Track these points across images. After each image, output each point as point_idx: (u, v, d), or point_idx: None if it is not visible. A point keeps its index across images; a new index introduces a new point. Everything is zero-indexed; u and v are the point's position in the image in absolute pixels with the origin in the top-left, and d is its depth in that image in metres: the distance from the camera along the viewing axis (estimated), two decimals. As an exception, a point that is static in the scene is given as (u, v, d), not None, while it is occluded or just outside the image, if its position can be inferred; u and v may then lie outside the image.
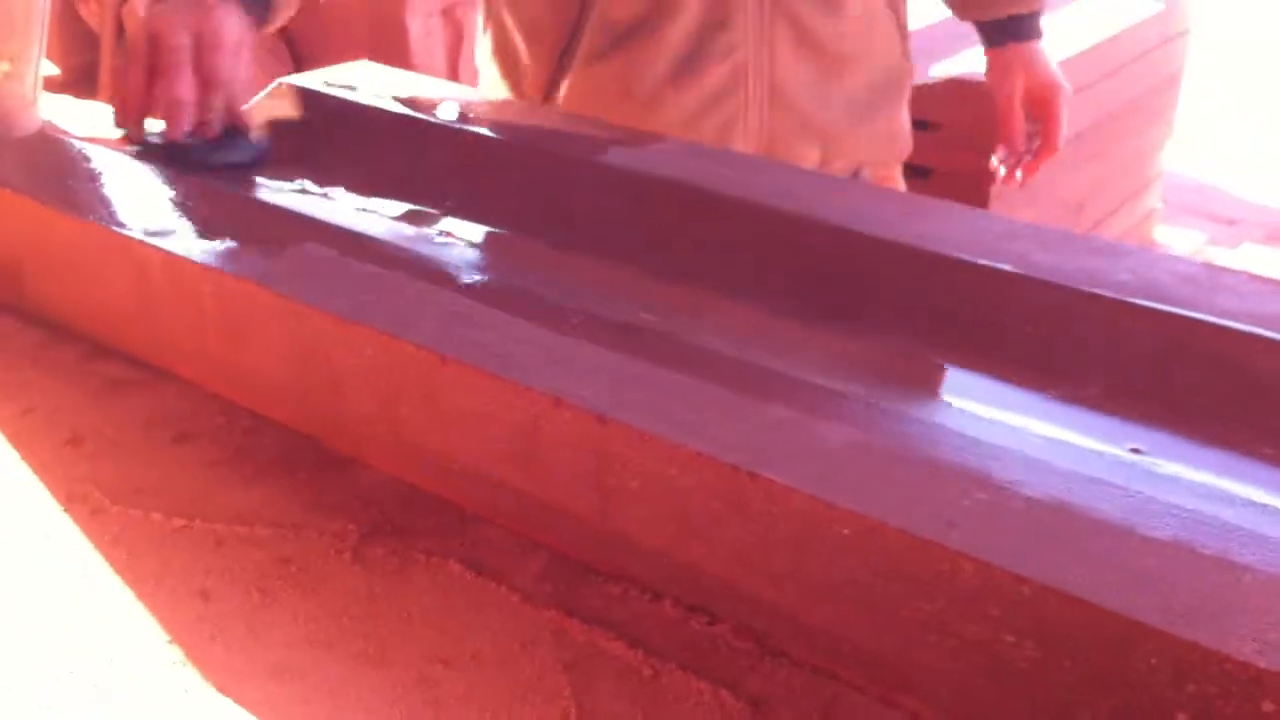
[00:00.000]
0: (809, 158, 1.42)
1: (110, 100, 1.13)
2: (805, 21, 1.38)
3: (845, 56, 1.42)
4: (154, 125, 1.12)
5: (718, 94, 1.37)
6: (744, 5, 1.35)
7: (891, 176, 1.57)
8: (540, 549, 0.77)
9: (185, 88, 1.07)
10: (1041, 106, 1.58)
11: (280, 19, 1.19)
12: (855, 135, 1.45)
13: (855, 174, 1.48)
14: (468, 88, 1.39)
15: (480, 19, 1.53)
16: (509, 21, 1.45)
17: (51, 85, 1.46)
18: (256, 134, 1.15)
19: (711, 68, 1.36)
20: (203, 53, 1.08)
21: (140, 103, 1.09)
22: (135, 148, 1.11)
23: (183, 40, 1.07)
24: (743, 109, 1.38)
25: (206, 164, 1.10)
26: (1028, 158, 1.61)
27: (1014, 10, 1.55)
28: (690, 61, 1.36)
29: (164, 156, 1.09)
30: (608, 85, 1.36)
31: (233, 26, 1.09)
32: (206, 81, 1.09)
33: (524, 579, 0.75)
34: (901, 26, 1.50)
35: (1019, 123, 1.59)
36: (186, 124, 1.08)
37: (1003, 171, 1.64)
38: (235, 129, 1.12)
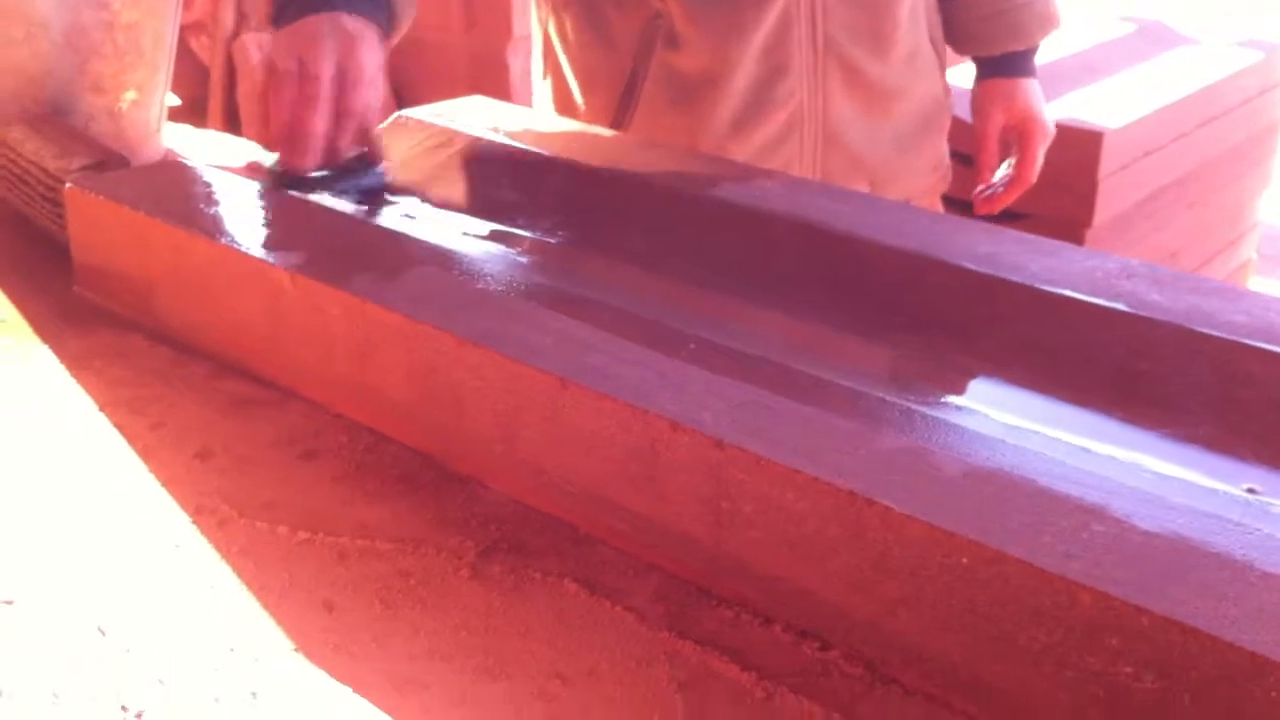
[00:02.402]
0: (859, 190, 1.46)
1: (263, 119, 1.15)
2: (856, 63, 1.42)
3: (891, 93, 1.47)
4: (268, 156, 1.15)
5: (776, 140, 1.41)
6: (799, 52, 1.39)
7: (936, 205, 1.62)
8: (654, 570, 0.78)
9: (321, 121, 1.09)
10: (1020, 141, 1.61)
11: (401, 30, 1.22)
12: (902, 168, 1.51)
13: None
14: (576, 121, 1.42)
15: (539, 68, 1.56)
16: (566, 70, 1.49)
17: (168, 115, 1.51)
18: (380, 162, 1.17)
19: (770, 115, 1.40)
20: (345, 85, 1.09)
21: (282, 129, 1.11)
22: (269, 171, 1.13)
23: (326, 71, 1.09)
24: (798, 152, 1.42)
25: (333, 189, 1.12)
26: (1000, 189, 1.64)
27: (1008, 48, 1.58)
28: (750, 111, 1.40)
29: (291, 181, 1.11)
30: (670, 135, 1.39)
31: (374, 58, 1.11)
32: (344, 112, 1.10)
33: (639, 600, 0.76)
34: (941, 61, 1.56)
35: (992, 156, 1.62)
36: (315, 159, 1.09)
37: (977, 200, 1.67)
38: (361, 156, 1.15)
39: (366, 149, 1.16)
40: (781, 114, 1.41)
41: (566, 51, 1.48)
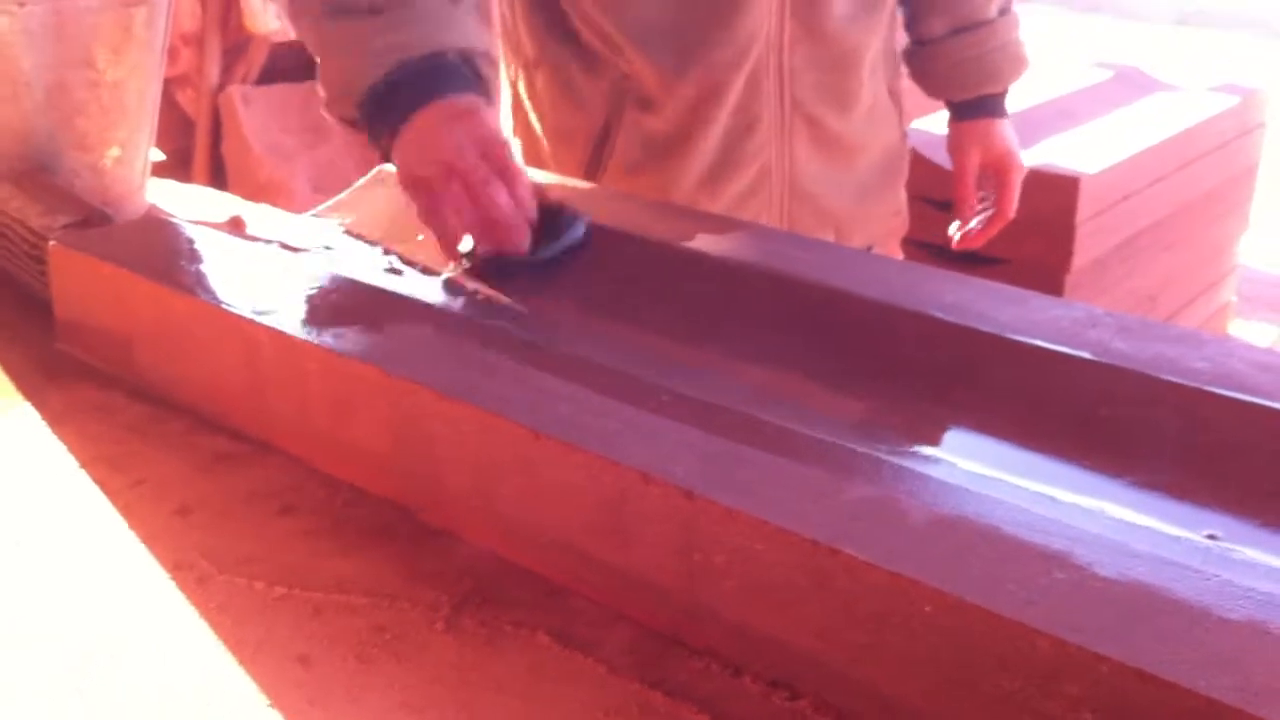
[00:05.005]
0: (825, 239, 1.49)
1: (436, 238, 1.11)
2: (821, 120, 1.46)
3: (854, 147, 1.51)
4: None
5: (745, 195, 1.44)
6: (767, 110, 1.42)
7: (896, 250, 1.66)
8: (626, 621, 0.79)
9: (505, 199, 1.06)
10: (997, 178, 1.64)
11: (497, 100, 1.18)
12: (864, 216, 1.54)
13: (866, 251, 1.56)
14: (547, 172, 1.44)
15: (508, 124, 1.57)
16: (536, 127, 1.51)
17: (152, 170, 1.53)
18: (567, 211, 1.13)
19: (740, 172, 1.43)
20: (493, 156, 1.07)
21: (470, 226, 1.08)
22: (471, 265, 1.09)
23: (474, 158, 1.06)
24: (766, 205, 1.45)
25: (547, 258, 1.09)
26: (978, 226, 1.67)
27: (983, 90, 1.62)
28: (721, 168, 1.43)
29: (503, 270, 1.08)
30: (642, 193, 1.40)
31: (496, 121, 1.10)
32: (510, 178, 1.08)
33: (611, 651, 0.77)
34: (900, 111, 1.59)
35: (971, 194, 1.66)
36: (524, 232, 1.07)
37: (956, 237, 1.70)
38: (547, 212, 1.11)
39: (548, 205, 1.12)
40: (750, 170, 1.43)
41: (537, 109, 1.50)
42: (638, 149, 1.43)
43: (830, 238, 1.50)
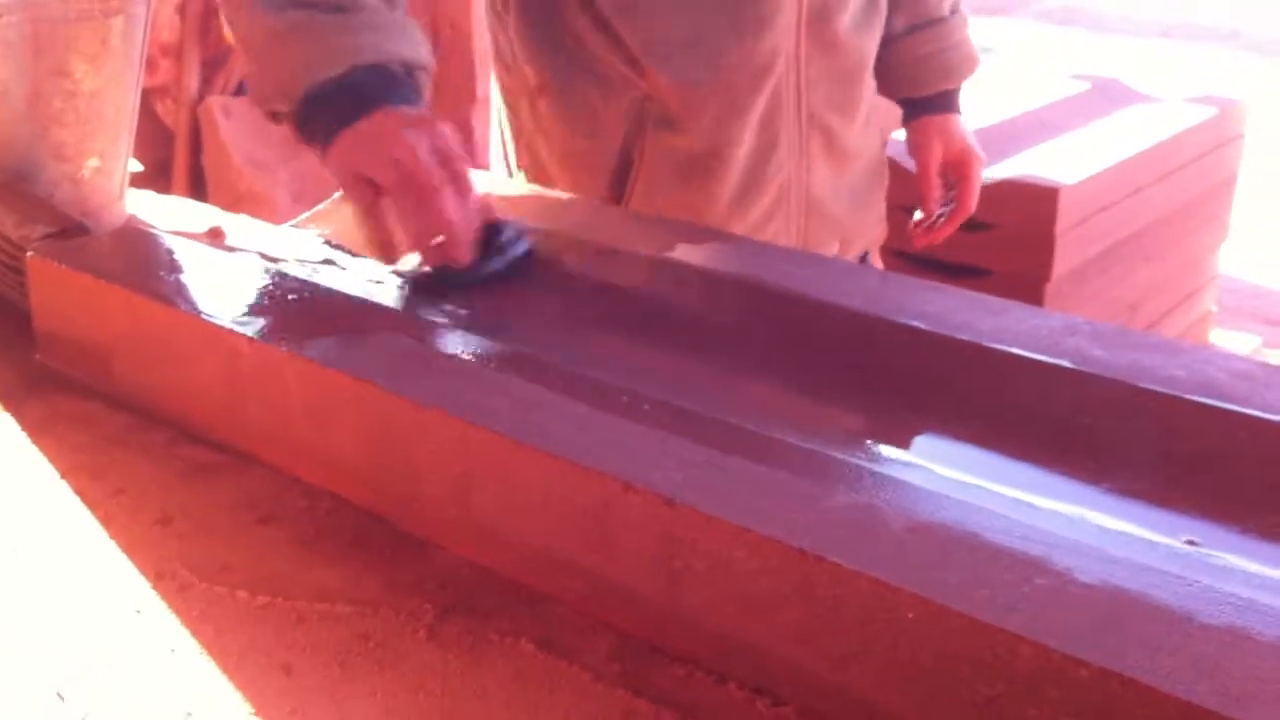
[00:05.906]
0: (831, 250, 1.52)
1: (371, 238, 1.09)
2: (833, 131, 1.48)
3: (854, 154, 1.53)
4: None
5: (769, 213, 1.45)
6: (787, 126, 1.42)
7: (878, 259, 1.69)
8: (609, 629, 0.79)
9: (456, 209, 1.04)
10: (958, 172, 1.66)
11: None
12: (860, 222, 1.57)
13: (863, 259, 1.61)
14: (537, 185, 1.44)
15: (510, 160, 1.55)
16: (543, 154, 1.48)
17: (131, 180, 1.52)
18: (510, 227, 1.10)
19: (765, 190, 1.44)
20: (451, 166, 1.04)
21: (416, 233, 1.06)
22: (406, 277, 1.07)
23: (430, 163, 1.03)
24: (785, 222, 1.45)
25: (486, 274, 1.07)
26: (941, 220, 1.69)
27: (941, 87, 1.64)
28: (748, 186, 1.43)
29: (441, 280, 1.05)
30: (672, 214, 1.38)
31: (452, 131, 1.07)
32: (464, 191, 1.05)
33: (594, 659, 0.77)
34: (881, 117, 1.61)
35: (935, 189, 1.67)
36: (470, 247, 1.04)
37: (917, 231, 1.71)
38: (490, 227, 1.09)
39: (490, 220, 1.10)
40: (773, 187, 1.44)
41: (544, 137, 1.47)
42: (666, 168, 1.41)
43: (836, 246, 1.52)
